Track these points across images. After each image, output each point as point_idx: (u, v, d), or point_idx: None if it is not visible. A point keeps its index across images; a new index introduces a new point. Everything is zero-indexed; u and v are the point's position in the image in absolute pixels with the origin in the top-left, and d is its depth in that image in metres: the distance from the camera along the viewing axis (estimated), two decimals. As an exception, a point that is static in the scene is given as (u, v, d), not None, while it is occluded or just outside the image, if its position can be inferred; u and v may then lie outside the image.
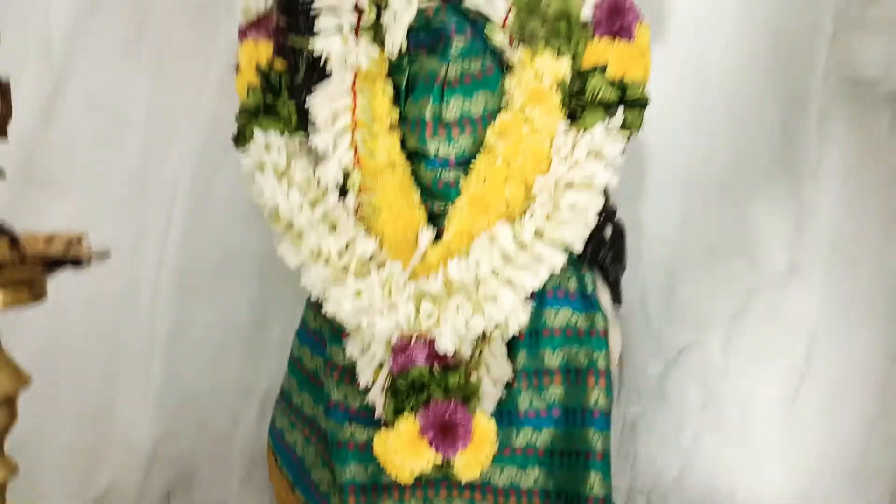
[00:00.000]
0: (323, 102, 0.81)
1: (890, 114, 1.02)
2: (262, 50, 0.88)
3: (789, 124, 1.05)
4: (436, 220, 0.85)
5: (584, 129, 0.80)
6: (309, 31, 0.82)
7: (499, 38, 0.84)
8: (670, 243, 1.14)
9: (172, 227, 1.21)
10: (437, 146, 0.83)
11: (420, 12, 0.85)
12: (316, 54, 0.81)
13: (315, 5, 0.81)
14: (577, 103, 0.82)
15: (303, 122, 0.86)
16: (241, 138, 0.88)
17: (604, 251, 0.86)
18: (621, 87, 0.82)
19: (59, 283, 0.56)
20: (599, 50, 0.82)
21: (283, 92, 0.87)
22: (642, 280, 1.14)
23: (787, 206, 1.11)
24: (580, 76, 0.83)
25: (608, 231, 0.87)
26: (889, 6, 0.96)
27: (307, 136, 0.87)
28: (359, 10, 0.82)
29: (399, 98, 0.85)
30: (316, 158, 0.85)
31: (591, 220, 0.81)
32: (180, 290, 1.20)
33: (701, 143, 1.12)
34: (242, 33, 0.90)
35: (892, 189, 1.03)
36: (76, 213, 1.17)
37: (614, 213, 0.88)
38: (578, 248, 0.82)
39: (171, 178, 1.22)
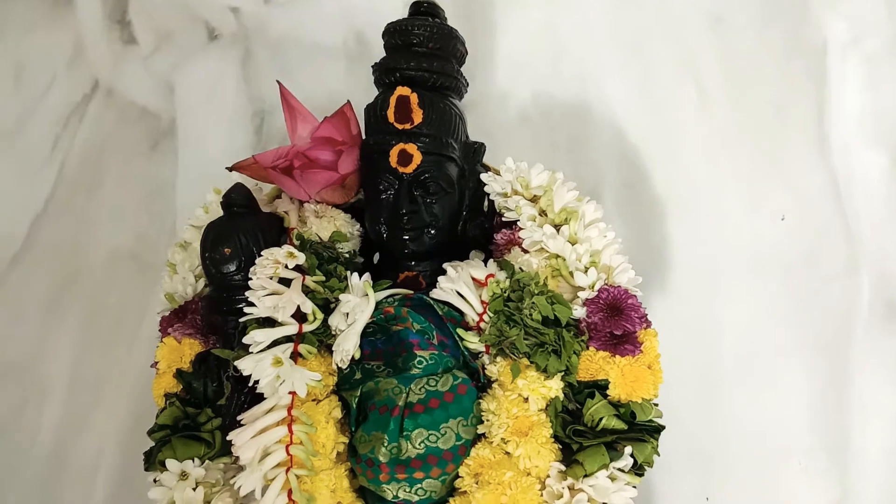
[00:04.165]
0: (249, 438, 0.63)
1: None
2: (185, 349, 0.72)
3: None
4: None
5: (584, 476, 0.62)
6: (239, 340, 0.66)
7: (473, 342, 0.69)
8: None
9: (94, 508, 1.02)
10: (395, 490, 0.65)
11: (377, 308, 0.70)
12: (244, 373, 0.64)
13: (247, 311, 0.65)
14: (574, 431, 0.65)
15: (229, 443, 0.69)
16: (153, 462, 0.69)
17: None
18: (628, 411, 0.65)
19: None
20: (596, 365, 0.66)
21: (207, 405, 0.70)
22: None
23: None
24: (575, 391, 0.67)
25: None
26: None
27: (235, 458, 0.69)
28: (301, 315, 0.67)
29: (349, 417, 0.69)
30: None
31: None
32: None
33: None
34: (163, 326, 0.75)
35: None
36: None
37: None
38: None
39: (94, 454, 1.03)
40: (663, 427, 0.66)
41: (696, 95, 0.97)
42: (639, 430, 0.65)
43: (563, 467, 0.64)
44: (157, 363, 0.74)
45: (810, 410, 0.91)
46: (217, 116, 1.03)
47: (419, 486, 0.65)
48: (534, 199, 0.75)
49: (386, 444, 0.64)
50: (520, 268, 0.71)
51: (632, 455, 0.64)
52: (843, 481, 0.90)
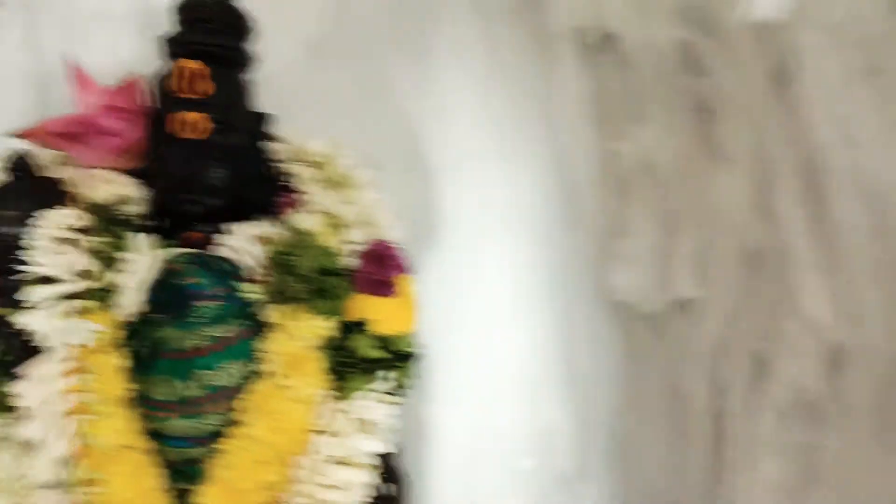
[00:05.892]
0: (33, 387, 0.68)
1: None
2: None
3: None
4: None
5: (347, 397, 0.74)
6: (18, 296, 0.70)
7: (255, 293, 0.78)
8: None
9: None
10: (183, 426, 0.73)
11: (163, 266, 0.76)
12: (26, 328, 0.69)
13: (27, 268, 0.69)
14: (341, 363, 0.76)
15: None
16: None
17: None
18: (384, 342, 0.78)
19: None
20: (359, 306, 0.78)
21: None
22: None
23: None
24: (344, 329, 0.78)
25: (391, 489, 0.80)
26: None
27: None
28: (86, 272, 0.72)
29: (139, 367, 0.75)
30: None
31: (359, 497, 0.74)
32: None
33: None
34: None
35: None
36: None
37: (396, 470, 0.81)
38: None
39: None
40: (413, 353, 0.79)
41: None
42: (395, 357, 0.77)
43: (332, 394, 0.75)
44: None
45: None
46: (-1, 82, 1.01)
47: (207, 421, 0.73)
48: (313, 165, 0.85)
49: (176, 387, 0.71)
50: (297, 225, 0.80)
51: (395, 378, 0.77)
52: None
